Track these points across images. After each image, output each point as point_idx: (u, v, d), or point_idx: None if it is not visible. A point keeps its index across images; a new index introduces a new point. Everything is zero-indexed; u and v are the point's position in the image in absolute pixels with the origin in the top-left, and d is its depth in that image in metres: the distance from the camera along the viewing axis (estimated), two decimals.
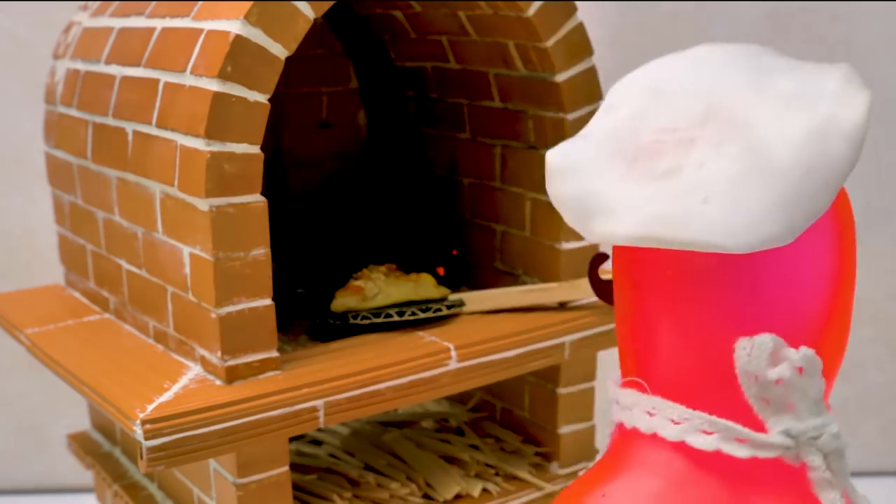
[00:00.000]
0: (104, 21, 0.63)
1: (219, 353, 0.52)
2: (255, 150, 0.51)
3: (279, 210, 0.64)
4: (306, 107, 0.77)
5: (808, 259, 0.38)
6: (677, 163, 0.37)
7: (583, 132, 0.42)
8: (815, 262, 0.39)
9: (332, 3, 0.53)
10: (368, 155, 0.80)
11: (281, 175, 0.77)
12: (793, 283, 0.38)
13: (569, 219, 0.40)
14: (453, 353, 0.57)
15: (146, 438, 0.48)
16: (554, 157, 0.41)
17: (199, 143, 0.50)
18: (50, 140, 0.68)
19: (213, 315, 0.51)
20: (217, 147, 0.49)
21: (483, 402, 0.73)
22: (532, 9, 0.59)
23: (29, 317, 0.65)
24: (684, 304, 0.39)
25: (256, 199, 0.51)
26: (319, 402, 0.53)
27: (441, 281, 0.65)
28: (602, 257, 0.47)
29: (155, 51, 0.55)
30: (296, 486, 0.62)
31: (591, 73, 0.62)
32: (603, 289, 0.46)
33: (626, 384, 0.42)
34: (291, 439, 0.69)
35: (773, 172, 0.35)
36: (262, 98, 0.51)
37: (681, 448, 0.39)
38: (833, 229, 0.39)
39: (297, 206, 0.76)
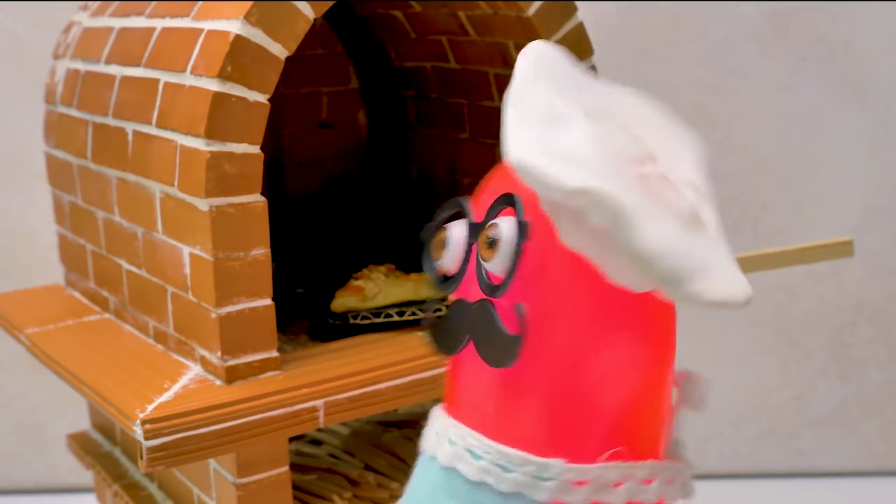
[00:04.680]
0: (104, 21, 0.63)
1: (219, 353, 0.51)
2: (255, 150, 0.51)
3: (279, 210, 0.64)
4: (306, 107, 0.77)
5: None
6: (688, 208, 0.34)
7: (566, 151, 0.33)
8: None
9: (332, 3, 0.53)
10: (368, 155, 0.80)
11: (281, 175, 0.77)
12: None
13: (657, 276, 0.33)
14: None
15: (146, 438, 0.48)
16: (600, 192, 0.32)
17: (199, 143, 0.50)
18: (50, 140, 0.68)
19: (213, 315, 0.51)
20: (217, 147, 0.49)
21: None
22: (532, 9, 0.59)
23: (29, 317, 0.65)
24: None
25: (256, 199, 0.51)
26: (319, 402, 0.53)
27: None
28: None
29: (155, 51, 0.55)
30: (296, 486, 0.62)
31: (591, 73, 0.62)
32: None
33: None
34: (291, 439, 0.69)
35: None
36: (262, 98, 0.51)
37: None
38: None
39: (297, 206, 0.76)
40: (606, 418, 0.37)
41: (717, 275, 0.33)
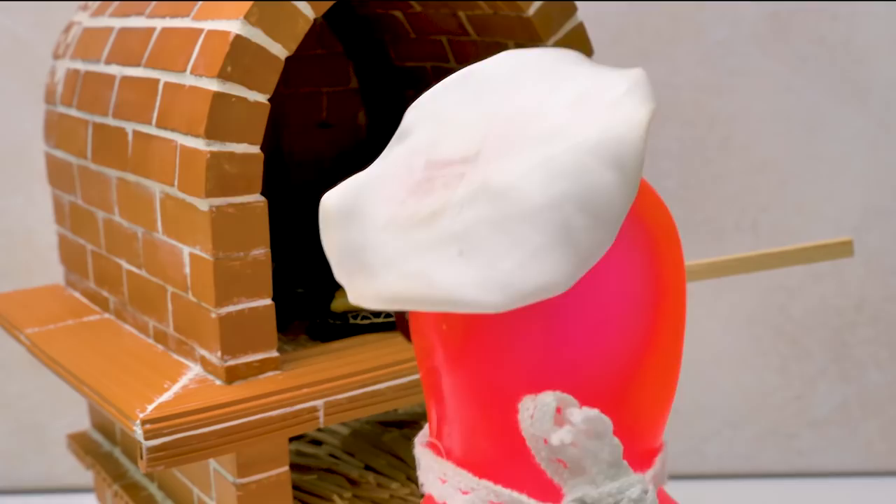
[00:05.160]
0: (104, 21, 0.63)
1: (219, 353, 0.52)
2: (255, 150, 0.51)
3: (279, 210, 0.64)
4: (306, 107, 0.77)
5: (607, 298, 0.34)
6: (441, 204, 0.33)
7: (373, 165, 0.36)
8: (619, 300, 0.34)
9: (332, 3, 0.53)
10: (368, 155, 0.80)
11: (281, 175, 0.77)
12: (591, 327, 0.34)
13: (336, 275, 0.35)
14: None
15: (146, 438, 0.48)
16: (329, 200, 0.35)
17: (199, 143, 0.50)
18: (50, 140, 0.68)
19: (213, 315, 0.51)
20: (217, 147, 0.49)
21: None
22: (532, 9, 0.59)
23: (29, 317, 0.65)
24: (464, 361, 0.35)
25: (256, 199, 0.51)
26: (319, 402, 0.53)
27: None
28: None
29: (155, 51, 0.55)
30: (296, 486, 0.62)
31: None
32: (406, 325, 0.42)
33: (426, 444, 0.38)
34: (291, 439, 0.69)
35: (522, 216, 0.31)
36: (262, 98, 0.51)
37: None
38: (642, 257, 0.35)
39: (297, 205, 0.76)
40: (440, 416, 0.38)
41: (379, 276, 0.33)
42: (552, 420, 0.33)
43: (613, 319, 0.34)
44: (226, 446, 0.50)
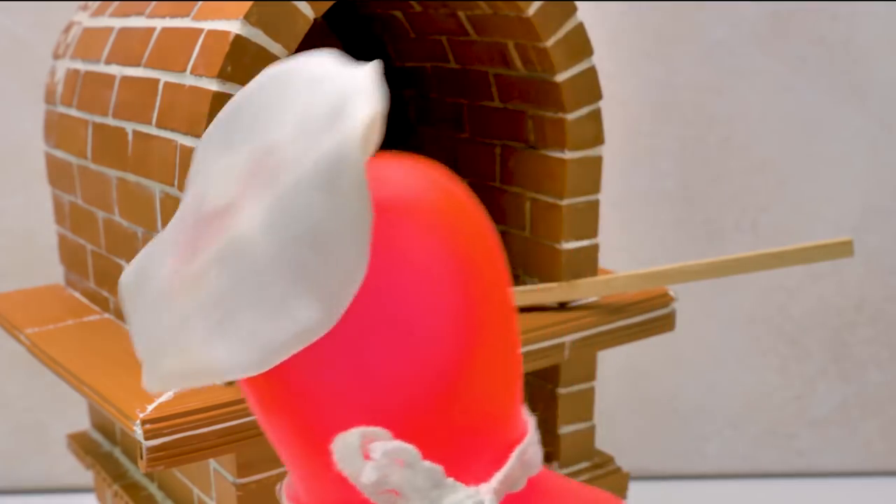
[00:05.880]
0: (104, 21, 0.63)
1: None
2: None
3: None
4: None
5: (411, 318, 0.32)
6: (203, 265, 0.31)
7: (162, 230, 0.34)
8: (426, 317, 0.32)
9: (331, 2, 0.53)
10: None
11: None
12: (395, 349, 0.32)
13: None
14: None
15: (146, 438, 0.48)
16: (122, 279, 0.34)
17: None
18: (50, 140, 0.68)
19: None
20: None
21: None
22: (532, 9, 0.59)
23: (29, 317, 0.65)
24: (275, 406, 0.34)
25: None
26: None
27: None
28: None
29: (155, 51, 0.55)
30: None
31: (591, 73, 0.62)
32: None
33: (283, 489, 0.37)
34: None
35: (261, 269, 0.29)
36: None
37: None
38: (447, 267, 0.33)
39: None
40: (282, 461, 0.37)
41: (156, 355, 0.32)
42: (360, 457, 0.32)
43: (421, 336, 0.33)
44: (226, 446, 0.50)
